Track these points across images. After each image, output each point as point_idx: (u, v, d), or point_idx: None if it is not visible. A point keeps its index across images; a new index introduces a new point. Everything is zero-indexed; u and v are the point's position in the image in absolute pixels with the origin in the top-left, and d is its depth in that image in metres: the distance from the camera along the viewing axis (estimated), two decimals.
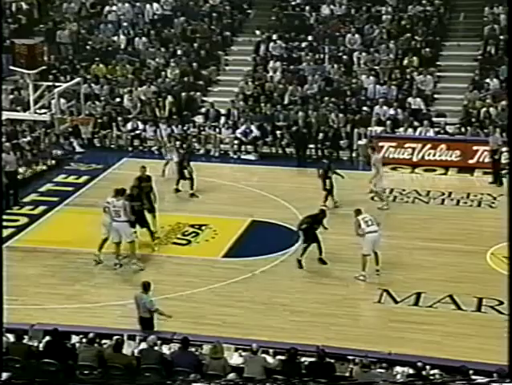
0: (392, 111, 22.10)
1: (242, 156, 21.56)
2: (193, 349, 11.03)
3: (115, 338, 11.03)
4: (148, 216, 15.74)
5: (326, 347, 11.09)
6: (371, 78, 23.33)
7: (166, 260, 15.43)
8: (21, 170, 18.88)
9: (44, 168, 20.00)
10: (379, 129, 21.70)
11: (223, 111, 22.99)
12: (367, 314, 13.48)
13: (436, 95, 23.17)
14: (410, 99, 22.46)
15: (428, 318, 13.11)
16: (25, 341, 11.06)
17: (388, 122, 21.73)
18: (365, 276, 14.32)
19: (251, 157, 21.46)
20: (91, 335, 10.92)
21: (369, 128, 21.76)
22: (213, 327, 12.53)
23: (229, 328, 12.59)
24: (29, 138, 20.78)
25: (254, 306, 13.56)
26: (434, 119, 22.01)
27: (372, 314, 13.48)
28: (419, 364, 10.57)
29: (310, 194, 17.66)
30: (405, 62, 23.84)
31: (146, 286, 12.11)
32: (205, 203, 17.89)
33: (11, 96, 23.09)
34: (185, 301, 13.68)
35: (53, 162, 20.43)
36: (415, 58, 23.74)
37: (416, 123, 21.68)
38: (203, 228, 16.74)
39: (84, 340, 11.09)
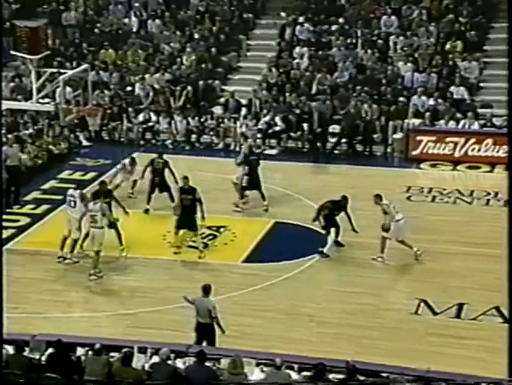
0: (431, 102, 22.02)
1: (265, 152, 21.62)
2: (210, 363, 11.06)
3: (123, 350, 11.10)
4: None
5: (356, 363, 11.08)
6: (409, 64, 23.25)
7: (181, 265, 15.51)
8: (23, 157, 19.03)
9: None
10: (417, 122, 21.64)
11: (244, 102, 23.04)
12: (402, 326, 13.45)
13: (481, 84, 23.04)
14: (452, 88, 22.35)
15: (471, 332, 13.07)
16: (26, 353, 11.14)
17: (427, 114, 21.66)
18: (383, 258, 14.89)
19: (273, 152, 21.50)
20: (97, 346, 10.99)
21: (406, 121, 21.70)
22: (232, 339, 12.55)
23: (250, 340, 12.62)
24: (31, 130, 20.97)
25: (277, 316, 13.60)
26: (479, 111, 21.88)
27: (408, 327, 13.44)
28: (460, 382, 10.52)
29: (337, 193, 17.60)
30: (447, 46, 23.72)
31: (207, 289, 12.20)
32: (224, 203, 17.93)
33: (12, 84, 23.32)
34: None
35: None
36: (458, 42, 23.61)
37: (458, 115, 21.58)
38: (221, 230, 16.80)
39: (90, 352, 11.18)
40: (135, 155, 21.22)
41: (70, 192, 15.66)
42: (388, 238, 15.08)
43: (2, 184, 16.76)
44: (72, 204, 15.36)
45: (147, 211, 17.32)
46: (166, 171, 17.57)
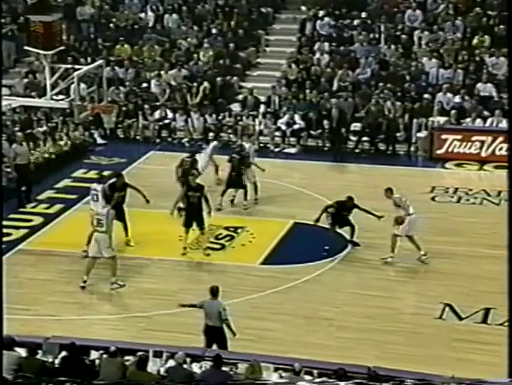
0: (457, 99, 21.93)
1: (284, 150, 21.64)
2: (227, 368, 11.09)
3: (138, 353, 11.14)
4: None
5: (377, 368, 11.07)
6: (434, 60, 23.17)
7: (197, 266, 15.56)
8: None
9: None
10: (442, 119, 21.56)
11: (263, 99, 23.06)
12: (425, 331, 13.41)
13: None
14: (479, 85, 22.24)
15: (498, 338, 12.94)
16: (38, 356, 11.23)
17: (453, 111, 21.57)
18: (393, 257, 15.01)
19: (293, 150, 21.50)
20: (112, 348, 11.04)
21: (430, 119, 21.63)
22: (250, 343, 12.58)
23: (268, 344, 12.65)
24: (45, 127, 21.09)
25: (296, 320, 13.60)
26: (507, 108, 21.75)
27: (432, 332, 13.40)
28: None
29: (358, 193, 17.62)
30: (474, 41, 23.60)
31: (215, 291, 12.20)
32: (242, 203, 17.96)
33: (25, 80, 23.51)
34: None
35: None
36: (486, 36, 23.50)
37: (485, 113, 21.49)
38: (239, 231, 16.84)
39: (105, 356, 11.23)
40: (150, 153, 21.35)
41: (93, 186, 15.91)
42: (399, 236, 15.17)
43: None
44: (95, 197, 15.52)
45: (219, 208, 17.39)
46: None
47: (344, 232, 16.16)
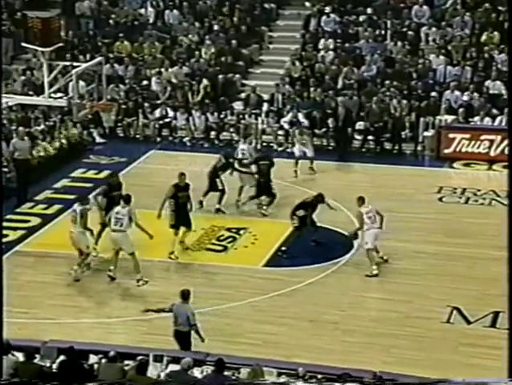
0: (465, 97, 21.91)
1: (288, 150, 21.62)
2: (229, 372, 11.08)
3: (138, 358, 11.14)
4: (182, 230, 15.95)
5: (383, 373, 11.06)
6: (442, 57, 23.15)
7: (198, 268, 15.56)
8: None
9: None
10: (449, 118, 21.53)
11: (266, 97, 23.05)
12: (432, 335, 13.40)
13: None
14: (488, 83, 22.21)
15: (507, 343, 12.95)
16: (36, 360, 11.23)
17: (461, 109, 21.56)
18: (377, 270, 14.87)
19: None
20: (112, 353, 11.04)
21: (438, 117, 21.61)
22: (252, 347, 12.59)
23: (271, 348, 12.64)
24: (42, 126, 21.10)
25: (300, 324, 13.59)
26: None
27: (439, 336, 13.39)
28: None
29: (363, 193, 17.61)
30: (483, 38, 23.56)
31: (186, 295, 12.27)
32: (244, 204, 17.94)
33: (23, 78, 23.50)
34: (220, 316, 13.78)
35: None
36: (495, 33, 23.45)
37: (494, 111, 21.47)
38: (241, 232, 16.83)
39: (104, 360, 11.22)
40: (150, 152, 21.33)
41: (74, 206, 15.49)
42: (373, 249, 15.06)
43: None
44: (74, 219, 15.23)
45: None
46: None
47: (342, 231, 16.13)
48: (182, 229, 15.91)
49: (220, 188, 17.49)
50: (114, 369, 10.93)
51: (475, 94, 21.94)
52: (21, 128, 19.30)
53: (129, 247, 14.85)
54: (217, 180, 17.51)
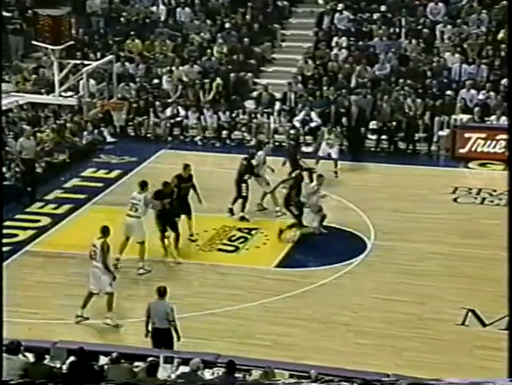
0: (481, 96, 21.86)
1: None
2: (240, 374, 11.11)
3: (149, 359, 11.18)
4: (184, 219, 16.06)
5: (396, 376, 11.04)
6: (457, 55, 23.09)
7: (209, 269, 15.57)
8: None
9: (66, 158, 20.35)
10: (465, 117, 21.49)
11: (278, 96, 23.07)
12: (447, 337, 13.38)
13: None
14: (504, 81, 22.13)
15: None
16: (46, 361, 11.28)
17: (477, 108, 21.50)
18: None
19: (309, 149, 21.47)
20: (114, 354, 11.05)
21: (453, 116, 21.57)
22: (264, 349, 12.61)
23: (283, 350, 12.66)
24: (53, 125, 21.17)
25: (312, 325, 13.60)
26: None
27: (454, 338, 13.36)
28: None
29: (377, 194, 17.67)
30: (500, 35, 23.46)
31: (162, 292, 12.37)
32: (256, 203, 17.96)
33: (33, 76, 23.60)
34: (231, 317, 13.80)
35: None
36: None
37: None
38: (253, 232, 16.86)
39: (106, 360, 11.23)
40: (161, 152, 21.35)
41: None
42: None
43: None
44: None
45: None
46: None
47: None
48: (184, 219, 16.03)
49: (244, 194, 17.28)
50: (121, 370, 10.97)
51: (491, 93, 21.88)
52: (27, 127, 19.39)
53: (140, 235, 14.95)
54: (244, 184, 17.29)
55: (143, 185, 15.31)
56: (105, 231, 13.64)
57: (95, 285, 13.61)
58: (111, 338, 12.96)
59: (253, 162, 17.65)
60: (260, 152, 18.05)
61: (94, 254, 13.62)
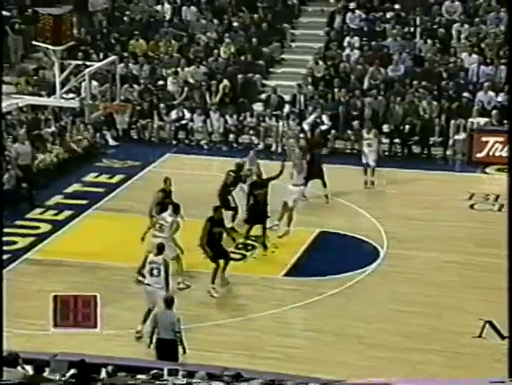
0: (499, 98, 21.84)
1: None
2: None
3: (152, 372, 11.15)
4: None
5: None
6: (474, 56, 23.08)
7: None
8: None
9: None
10: (482, 120, 21.47)
11: (287, 98, 23.07)
12: (463, 350, 13.33)
13: None
14: None
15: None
16: (46, 374, 11.27)
17: (495, 111, 21.47)
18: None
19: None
20: (109, 368, 11.01)
21: (470, 119, 21.55)
22: (272, 361, 12.56)
23: (292, 363, 12.62)
24: (53, 128, 21.21)
25: (323, 337, 13.57)
26: None
27: (471, 351, 13.31)
28: None
29: (390, 200, 17.64)
30: None
31: (169, 302, 12.36)
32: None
33: (34, 78, 23.64)
34: (238, 328, 13.77)
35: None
36: None
37: None
38: (260, 240, 16.82)
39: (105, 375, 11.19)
40: (166, 156, 21.32)
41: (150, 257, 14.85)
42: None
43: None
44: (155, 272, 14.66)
45: None
46: None
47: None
48: None
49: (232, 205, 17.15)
50: (120, 381, 10.93)
51: (509, 95, 21.84)
52: (21, 132, 19.38)
53: (171, 252, 14.70)
54: (230, 197, 17.14)
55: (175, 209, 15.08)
56: (161, 248, 13.74)
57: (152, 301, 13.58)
58: (113, 349, 12.92)
59: (242, 173, 17.42)
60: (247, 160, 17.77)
61: (157, 272, 13.54)
